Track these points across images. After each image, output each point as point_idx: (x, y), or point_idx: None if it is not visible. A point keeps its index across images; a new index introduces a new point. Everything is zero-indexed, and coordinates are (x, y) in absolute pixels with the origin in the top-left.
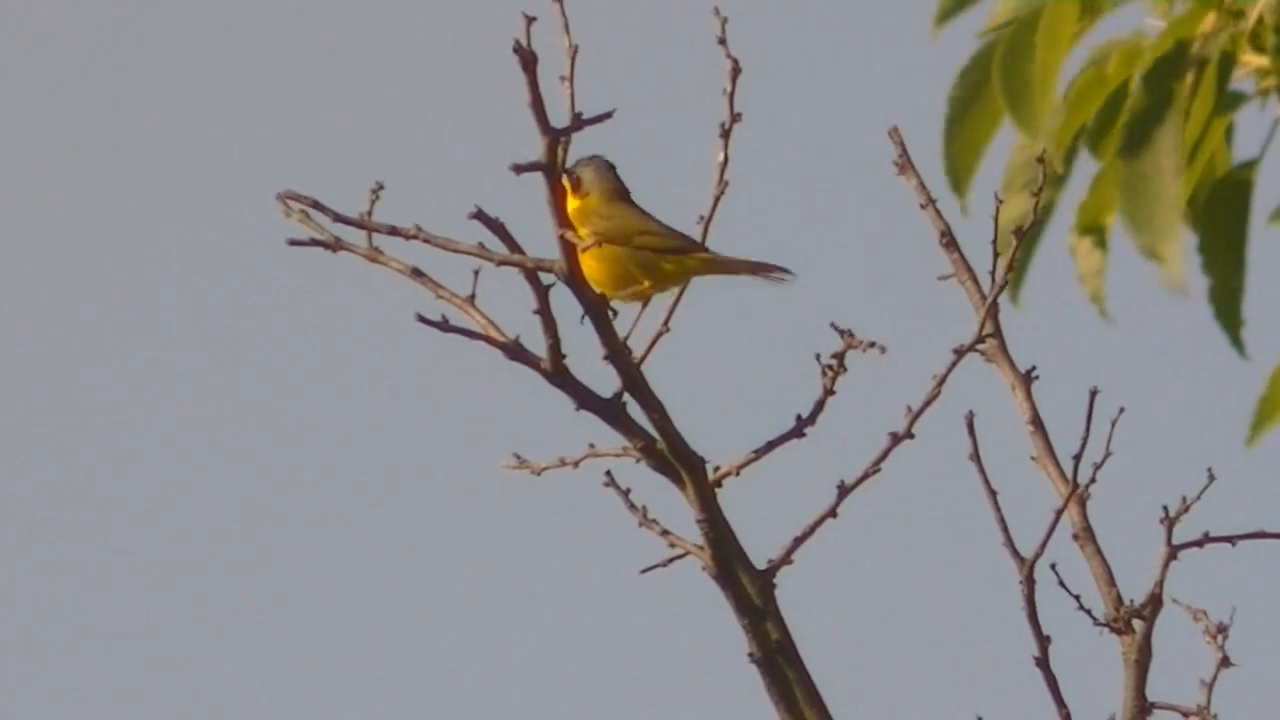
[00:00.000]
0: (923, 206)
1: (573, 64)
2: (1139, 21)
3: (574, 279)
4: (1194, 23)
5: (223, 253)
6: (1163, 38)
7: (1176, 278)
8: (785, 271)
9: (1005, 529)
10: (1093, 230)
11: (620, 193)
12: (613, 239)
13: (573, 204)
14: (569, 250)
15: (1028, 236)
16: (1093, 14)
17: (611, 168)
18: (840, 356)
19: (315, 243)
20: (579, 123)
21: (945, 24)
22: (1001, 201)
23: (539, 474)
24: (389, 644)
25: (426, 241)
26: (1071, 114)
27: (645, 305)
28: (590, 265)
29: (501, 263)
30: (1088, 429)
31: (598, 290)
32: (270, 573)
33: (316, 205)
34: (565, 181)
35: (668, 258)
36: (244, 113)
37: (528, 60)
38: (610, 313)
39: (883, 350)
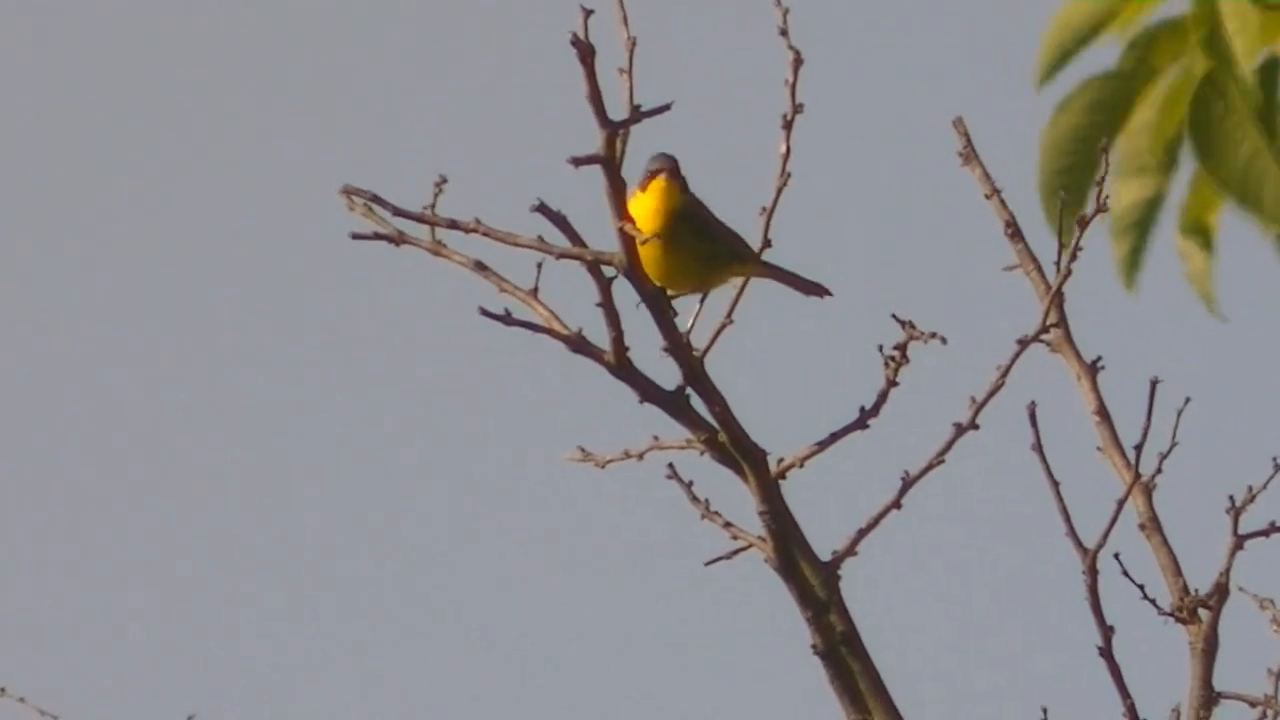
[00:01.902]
0: (987, 197)
1: (631, 57)
2: None
3: (634, 271)
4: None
5: (288, 248)
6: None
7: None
8: (825, 291)
9: (1068, 519)
10: (1198, 230)
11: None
12: (701, 237)
13: (677, 200)
14: (629, 243)
15: (1140, 224)
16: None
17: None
18: (902, 348)
19: (379, 236)
20: (637, 115)
21: (1050, 80)
22: (1065, 192)
23: (603, 466)
24: (457, 635)
25: (486, 235)
26: (1167, 112)
27: (704, 298)
28: (658, 259)
29: (562, 256)
30: (1149, 418)
31: (658, 284)
32: (337, 563)
33: (376, 199)
34: (668, 181)
35: (733, 264)
36: (308, 108)
37: (585, 53)
38: (670, 306)
39: (944, 341)
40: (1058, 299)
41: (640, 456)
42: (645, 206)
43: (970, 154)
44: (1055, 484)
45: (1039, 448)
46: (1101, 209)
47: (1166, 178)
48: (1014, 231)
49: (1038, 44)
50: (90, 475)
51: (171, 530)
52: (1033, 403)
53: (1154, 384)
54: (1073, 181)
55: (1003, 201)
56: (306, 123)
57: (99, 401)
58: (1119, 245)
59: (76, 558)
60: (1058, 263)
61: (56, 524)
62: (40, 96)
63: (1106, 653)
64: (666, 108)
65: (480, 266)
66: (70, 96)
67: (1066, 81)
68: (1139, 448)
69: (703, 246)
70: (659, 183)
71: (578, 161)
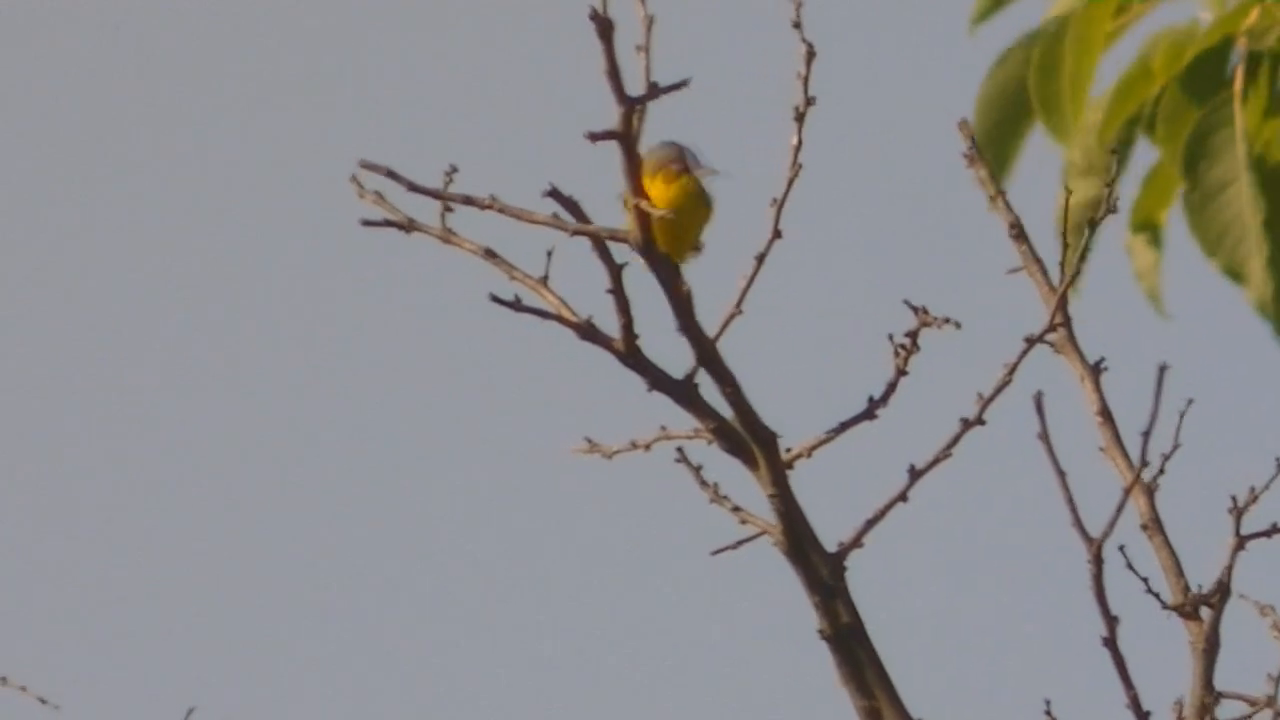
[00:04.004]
0: (992, 198)
1: (649, 34)
2: (1191, 12)
3: (649, 250)
4: (1239, 19)
5: (298, 235)
6: (1209, 32)
7: (1264, 296)
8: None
9: (1074, 508)
10: (1147, 227)
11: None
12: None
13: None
14: (644, 220)
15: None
16: (1131, 13)
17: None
18: (914, 335)
19: (389, 223)
20: (655, 91)
21: (982, 23)
22: (1071, 193)
23: (610, 457)
24: (462, 625)
25: (501, 211)
26: (1117, 106)
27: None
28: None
29: (575, 233)
30: (1156, 405)
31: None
32: (341, 551)
33: (391, 174)
34: (675, 170)
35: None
36: (316, 92)
37: (604, 27)
38: (685, 285)
39: (958, 326)
40: (1062, 300)
41: (648, 447)
42: (665, 197)
43: (975, 155)
44: (1061, 473)
45: (1045, 436)
46: (1111, 210)
47: (1115, 179)
48: (1018, 233)
49: None
50: (92, 462)
51: (175, 519)
52: (1039, 392)
53: (1162, 370)
54: (1006, 131)
55: (1007, 203)
56: (315, 107)
57: (102, 386)
58: (1072, 248)
59: (78, 547)
60: (1062, 264)
61: (56, 513)
62: (48, 77)
63: (1111, 643)
64: (684, 84)
65: (490, 254)
66: (76, 80)
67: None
68: (1146, 434)
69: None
70: (683, 182)
71: (594, 137)
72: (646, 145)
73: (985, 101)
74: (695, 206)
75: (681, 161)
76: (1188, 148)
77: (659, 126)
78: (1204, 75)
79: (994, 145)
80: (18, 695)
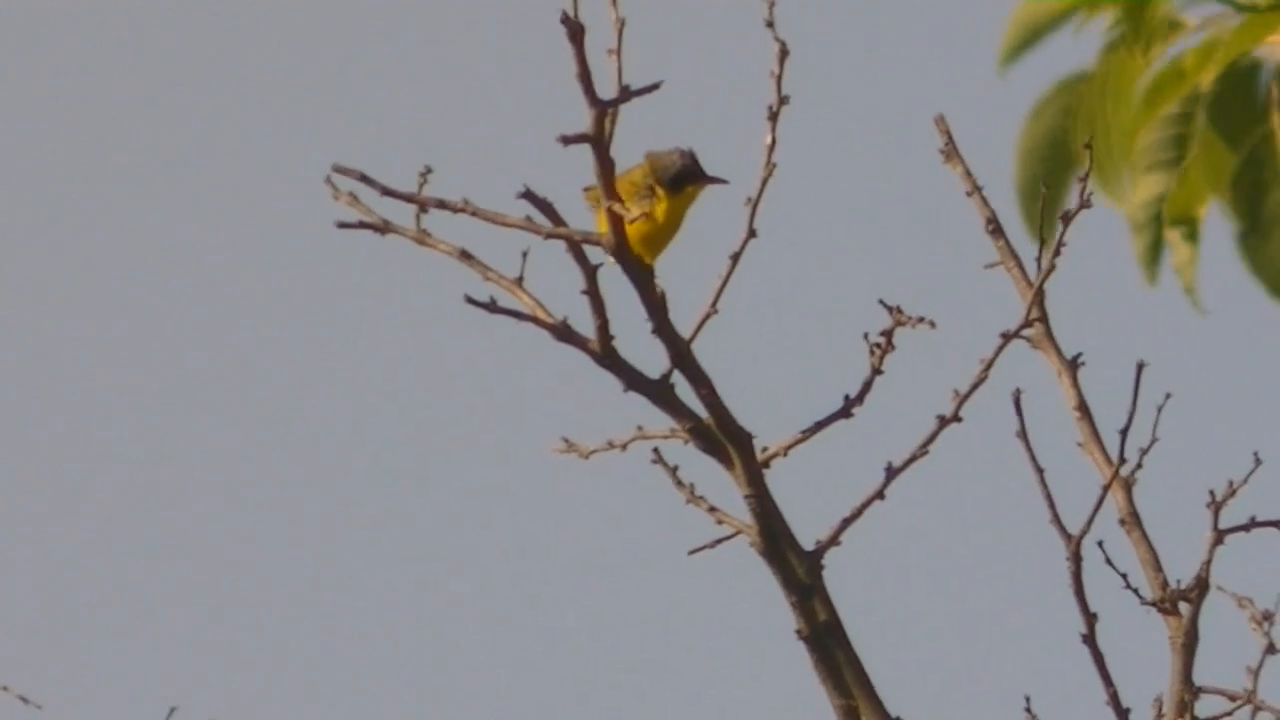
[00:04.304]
0: (968, 194)
1: (620, 37)
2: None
3: (621, 252)
4: (1267, 28)
5: (272, 237)
6: (1232, 42)
7: None
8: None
9: (1052, 505)
10: (1184, 221)
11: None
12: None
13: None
14: (617, 223)
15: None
16: (1157, 44)
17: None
18: (889, 334)
19: (364, 225)
20: (626, 95)
21: (1011, 64)
22: (1047, 189)
23: (587, 457)
24: (437, 626)
25: (474, 215)
26: (1148, 108)
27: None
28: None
29: (549, 236)
30: (1134, 401)
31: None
32: (316, 554)
33: (365, 179)
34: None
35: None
36: (290, 94)
37: (575, 31)
38: (660, 290)
39: (932, 325)
40: (1039, 295)
41: (624, 447)
42: (677, 212)
43: (952, 150)
44: (1039, 470)
45: (1024, 434)
46: (1085, 205)
47: (1176, 173)
48: (995, 228)
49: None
50: (70, 468)
51: (154, 519)
52: (1018, 389)
53: (1140, 366)
54: (1052, 183)
55: (984, 198)
56: (290, 110)
57: (77, 393)
58: (1138, 240)
59: (58, 547)
60: (1039, 259)
61: (34, 514)
62: (14, 90)
63: (1090, 640)
64: (656, 87)
65: (465, 255)
66: (47, 91)
67: (1033, 75)
68: (1124, 431)
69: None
70: (690, 194)
71: (566, 140)
72: (653, 148)
73: (1025, 155)
74: (684, 219)
75: (695, 174)
76: (1236, 187)
77: (633, 127)
78: (1238, 93)
79: (1033, 198)
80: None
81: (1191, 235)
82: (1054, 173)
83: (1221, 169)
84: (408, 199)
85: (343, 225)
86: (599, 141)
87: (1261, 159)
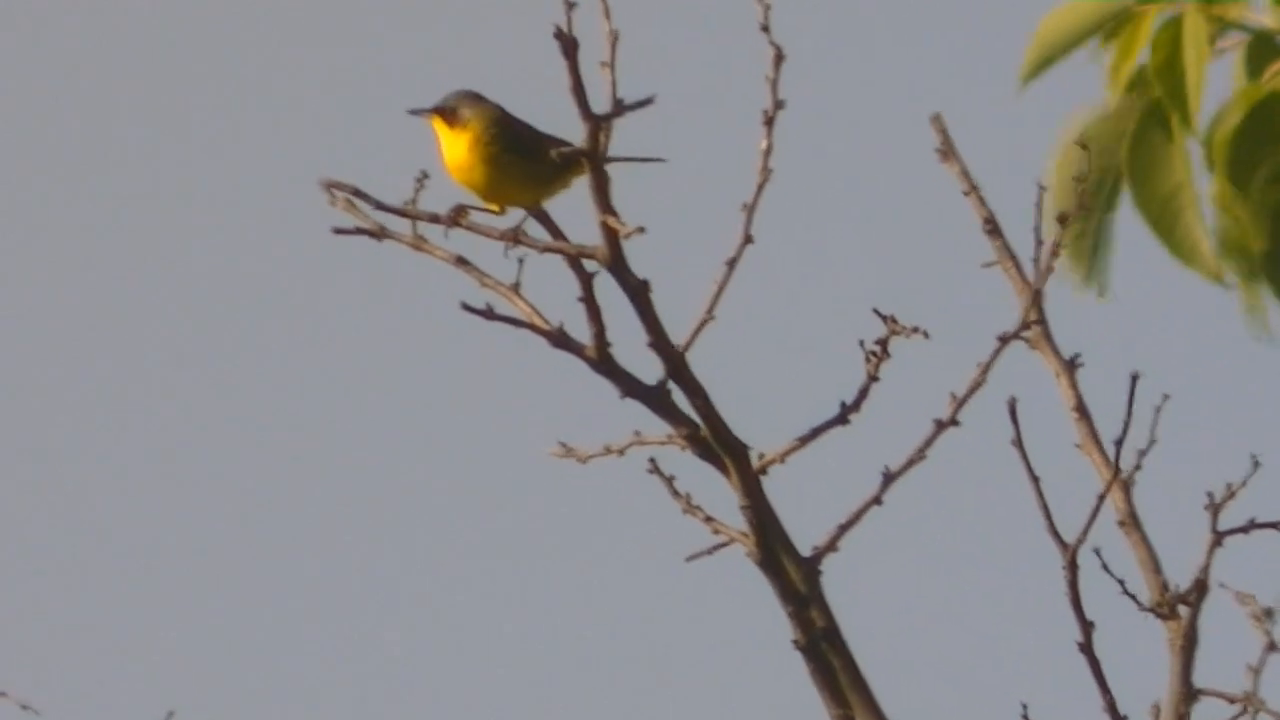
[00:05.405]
0: (965, 194)
1: (613, 50)
2: None
3: (617, 265)
4: None
5: (268, 243)
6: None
7: None
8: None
9: (1048, 514)
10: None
11: (503, 114)
12: (521, 153)
13: (460, 141)
14: (611, 236)
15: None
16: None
17: (478, 95)
18: (884, 342)
19: (360, 231)
20: (620, 109)
21: (1032, 81)
22: (1044, 189)
23: (585, 462)
24: (434, 632)
25: (469, 229)
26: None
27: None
28: (494, 177)
29: (545, 250)
30: (1129, 413)
31: (491, 204)
32: (314, 559)
33: (358, 193)
34: (441, 122)
35: (562, 174)
36: (287, 99)
37: (569, 46)
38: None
39: (926, 335)
40: (1037, 296)
41: (621, 452)
42: (456, 148)
43: (948, 150)
44: (1035, 479)
45: (1019, 443)
46: (1083, 207)
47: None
48: (993, 228)
49: (1023, 45)
50: (69, 472)
51: (152, 523)
52: (1013, 398)
53: (1134, 378)
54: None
55: (980, 198)
56: (286, 114)
57: (76, 397)
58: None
59: (57, 551)
60: (1036, 260)
61: (33, 518)
62: (14, 92)
63: (1087, 648)
64: (650, 101)
65: (461, 261)
66: (42, 91)
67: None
68: (1119, 442)
69: (528, 167)
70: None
71: (561, 155)
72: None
73: (1063, 184)
74: (482, 164)
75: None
76: (1269, 218)
77: (626, 132)
78: (1266, 123)
79: (1075, 226)
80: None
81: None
82: (1099, 198)
83: (1251, 209)
84: (400, 213)
85: (339, 231)
86: (593, 156)
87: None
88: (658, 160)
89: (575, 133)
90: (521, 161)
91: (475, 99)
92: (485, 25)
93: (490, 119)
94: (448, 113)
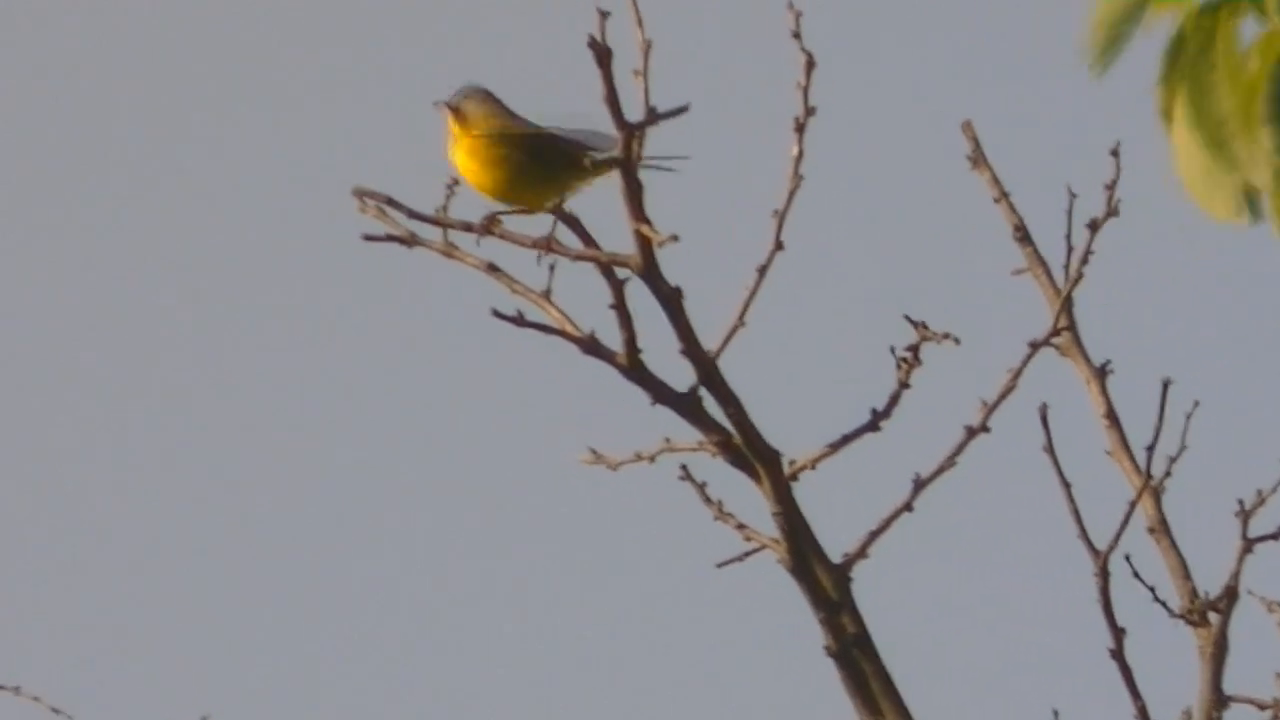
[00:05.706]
0: (996, 201)
1: (646, 59)
2: None
3: (650, 273)
4: None
5: (300, 249)
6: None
7: None
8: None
9: (1079, 521)
10: None
11: (507, 112)
12: (522, 150)
13: (463, 143)
14: (645, 245)
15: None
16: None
17: (487, 92)
18: (915, 349)
19: (391, 238)
20: (654, 117)
21: (1101, 67)
22: (1075, 196)
23: (615, 469)
24: (467, 637)
25: (501, 237)
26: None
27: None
28: (500, 178)
29: (577, 258)
30: (1161, 420)
31: (503, 200)
32: (346, 564)
33: (390, 202)
34: (451, 121)
35: (574, 174)
36: (318, 106)
37: (603, 55)
38: (683, 305)
39: (957, 342)
40: (1067, 303)
41: (652, 459)
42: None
43: (979, 157)
44: (1067, 485)
45: (1050, 449)
46: (1112, 213)
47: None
48: (1023, 235)
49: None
50: (102, 472)
51: (184, 528)
52: (1044, 404)
53: (1165, 385)
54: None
55: (1011, 205)
56: (318, 121)
57: (108, 393)
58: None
59: (89, 556)
60: (1066, 266)
61: (67, 521)
62: (41, 94)
63: (1118, 655)
64: (684, 109)
65: (492, 268)
66: (72, 96)
67: (1059, 80)
68: (1150, 449)
69: (534, 169)
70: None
71: (594, 163)
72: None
73: None
74: (490, 166)
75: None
76: None
77: (659, 138)
78: None
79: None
80: (31, 706)
81: None
82: None
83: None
84: (433, 221)
85: (369, 238)
86: (627, 164)
87: None
88: (681, 158)
89: (571, 123)
90: (529, 164)
91: (483, 98)
92: (519, 31)
93: (492, 121)
94: (457, 111)
